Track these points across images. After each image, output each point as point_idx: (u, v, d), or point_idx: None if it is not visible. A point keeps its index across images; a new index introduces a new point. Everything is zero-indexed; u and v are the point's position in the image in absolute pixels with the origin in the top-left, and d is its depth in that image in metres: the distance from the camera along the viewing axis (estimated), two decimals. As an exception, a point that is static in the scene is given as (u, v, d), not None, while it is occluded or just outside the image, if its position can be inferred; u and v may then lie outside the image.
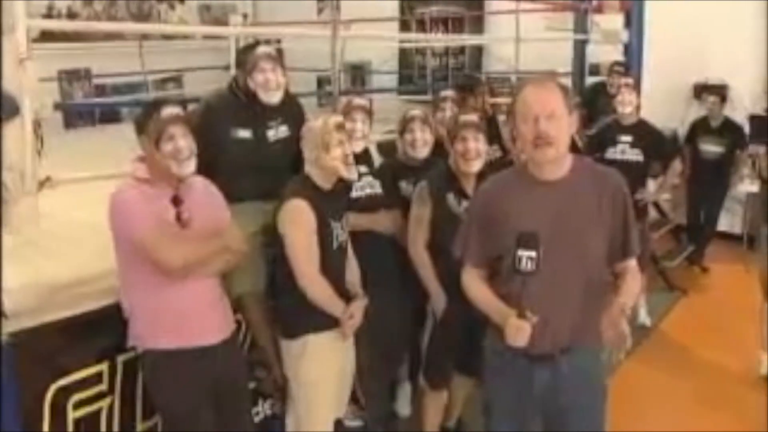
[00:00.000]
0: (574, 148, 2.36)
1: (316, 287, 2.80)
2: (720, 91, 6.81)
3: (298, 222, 2.77)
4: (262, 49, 3.19)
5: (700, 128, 6.71)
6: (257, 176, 3.04)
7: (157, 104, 2.61)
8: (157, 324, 2.58)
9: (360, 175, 3.31)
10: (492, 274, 2.38)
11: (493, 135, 3.65)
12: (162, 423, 2.87)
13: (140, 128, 2.56)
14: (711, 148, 6.61)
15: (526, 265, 2.10)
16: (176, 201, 2.59)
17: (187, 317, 2.60)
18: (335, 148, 2.81)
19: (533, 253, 2.10)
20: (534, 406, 2.35)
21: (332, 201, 2.88)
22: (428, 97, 5.55)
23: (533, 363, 2.30)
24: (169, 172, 2.53)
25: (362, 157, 3.38)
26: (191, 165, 2.56)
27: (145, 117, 2.56)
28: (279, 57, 3.26)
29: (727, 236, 7.03)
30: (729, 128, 6.61)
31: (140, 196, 2.52)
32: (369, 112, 3.42)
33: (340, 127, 2.87)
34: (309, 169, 2.89)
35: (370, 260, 3.11)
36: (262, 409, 3.42)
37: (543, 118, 2.16)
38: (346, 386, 3.08)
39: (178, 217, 2.58)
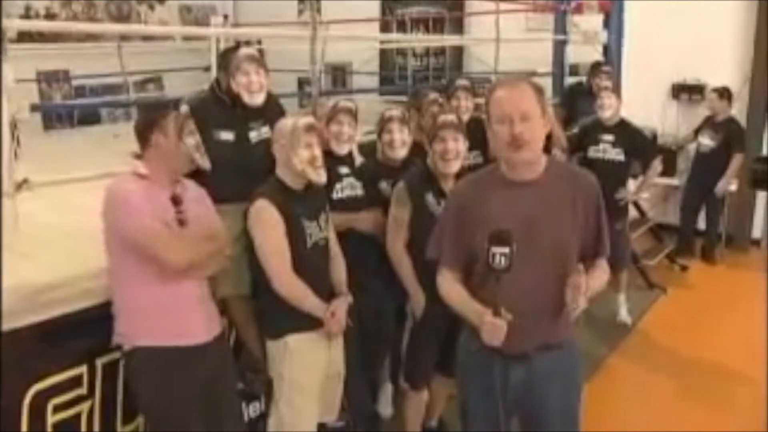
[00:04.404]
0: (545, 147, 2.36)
1: (288, 287, 2.79)
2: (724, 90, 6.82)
3: (263, 222, 2.78)
4: (244, 51, 3.19)
5: (704, 122, 6.82)
6: (239, 178, 3.03)
7: (168, 104, 2.71)
8: (147, 321, 2.57)
9: (342, 177, 3.32)
10: (467, 275, 2.37)
11: (477, 140, 3.63)
12: (147, 423, 2.85)
13: (155, 124, 2.59)
14: (707, 141, 6.70)
15: (500, 262, 2.10)
16: (176, 200, 2.61)
17: (178, 315, 2.60)
18: (303, 150, 2.81)
19: (506, 250, 2.09)
20: (509, 405, 2.34)
21: (305, 201, 2.88)
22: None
23: (508, 362, 2.30)
24: (176, 169, 2.62)
25: (345, 159, 3.38)
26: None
27: (163, 113, 2.66)
28: (261, 58, 3.26)
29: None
30: (728, 126, 6.66)
31: (141, 191, 2.52)
32: (355, 115, 3.41)
33: (309, 128, 2.85)
34: (279, 169, 2.89)
35: (352, 259, 3.10)
36: (247, 412, 3.41)
37: (517, 120, 2.15)
38: (333, 388, 3.06)
39: (179, 218, 2.60)
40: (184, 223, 2.60)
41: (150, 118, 2.64)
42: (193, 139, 2.62)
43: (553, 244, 2.23)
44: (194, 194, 2.73)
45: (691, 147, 7.04)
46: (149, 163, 2.59)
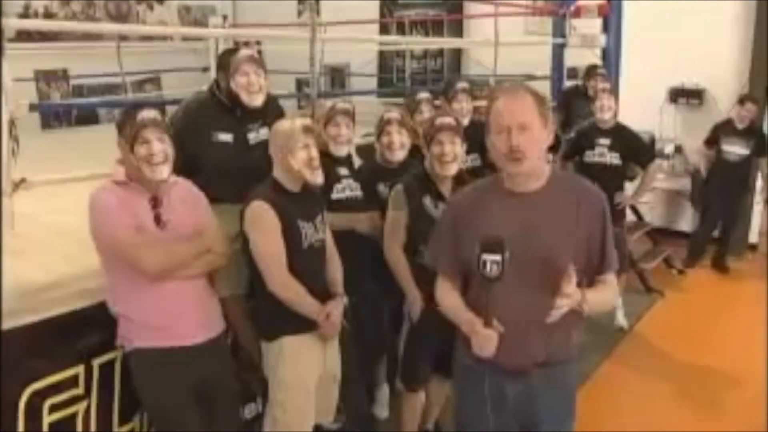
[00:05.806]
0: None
1: (284, 288, 2.79)
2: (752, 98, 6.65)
3: (259, 223, 2.77)
4: (244, 52, 3.19)
5: (722, 130, 6.66)
6: (238, 179, 3.01)
7: (135, 107, 2.62)
8: (141, 323, 2.59)
9: (341, 178, 3.32)
10: (465, 284, 2.34)
11: (476, 143, 3.62)
12: (149, 421, 2.87)
13: (120, 130, 2.57)
14: (737, 149, 6.56)
15: (491, 270, 2.04)
16: (155, 202, 2.59)
17: (172, 317, 2.61)
18: (300, 151, 2.79)
19: (497, 257, 2.03)
20: (507, 419, 2.31)
21: (301, 202, 2.87)
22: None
23: (503, 375, 2.26)
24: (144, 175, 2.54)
25: (343, 160, 3.39)
26: (165, 170, 2.56)
27: (123, 119, 2.58)
28: (261, 60, 3.26)
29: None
30: (754, 132, 6.57)
31: (117, 198, 2.52)
32: (353, 116, 3.40)
33: (307, 130, 2.85)
34: (276, 170, 2.89)
35: (349, 261, 3.10)
36: (244, 413, 3.40)
37: (515, 130, 2.10)
38: (329, 390, 3.05)
39: (157, 219, 2.58)
40: (162, 224, 2.59)
41: (117, 121, 2.62)
42: (145, 149, 2.50)
43: (551, 256, 2.15)
44: (182, 194, 2.71)
45: (691, 152, 6.95)
46: (126, 166, 2.57)
